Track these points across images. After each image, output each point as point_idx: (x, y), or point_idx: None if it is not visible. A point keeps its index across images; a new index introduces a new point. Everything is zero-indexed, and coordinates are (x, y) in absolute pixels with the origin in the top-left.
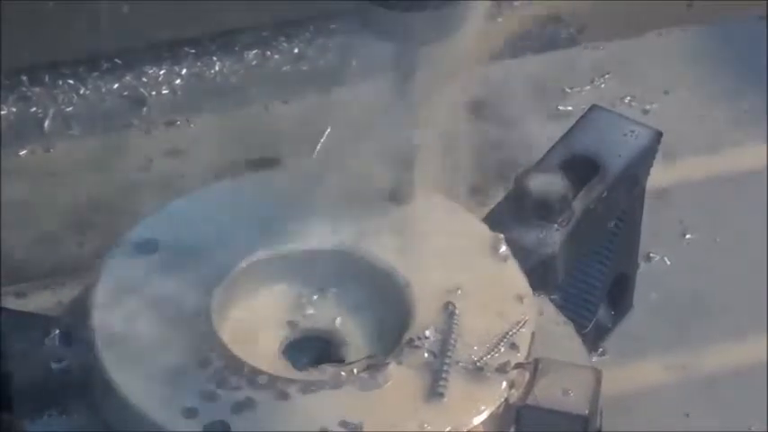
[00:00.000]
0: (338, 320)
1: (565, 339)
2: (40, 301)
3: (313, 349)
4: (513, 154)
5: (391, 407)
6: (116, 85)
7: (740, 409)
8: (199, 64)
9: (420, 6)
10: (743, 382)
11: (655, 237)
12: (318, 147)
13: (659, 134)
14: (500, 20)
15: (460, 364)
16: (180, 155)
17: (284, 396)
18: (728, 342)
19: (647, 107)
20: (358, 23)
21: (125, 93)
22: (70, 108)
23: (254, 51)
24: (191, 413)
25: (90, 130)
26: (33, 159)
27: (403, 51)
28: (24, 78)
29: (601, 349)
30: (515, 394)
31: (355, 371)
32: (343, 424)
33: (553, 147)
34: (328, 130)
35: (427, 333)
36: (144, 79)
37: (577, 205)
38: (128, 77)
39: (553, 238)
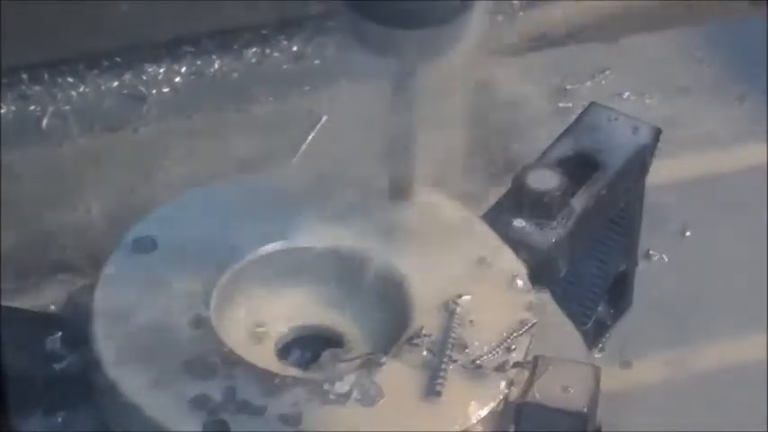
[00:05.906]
0: (337, 319)
1: (564, 336)
2: (39, 301)
3: (312, 348)
4: (513, 151)
5: (388, 405)
6: (116, 84)
7: (740, 408)
8: (198, 62)
9: (408, 25)
10: (742, 380)
11: (654, 234)
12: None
13: (658, 131)
14: (500, 19)
15: (459, 362)
16: (179, 153)
17: (283, 394)
18: (728, 340)
19: (647, 103)
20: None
21: (125, 91)
22: (69, 106)
23: (253, 49)
24: (190, 412)
25: (89, 129)
26: (32, 158)
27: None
28: (24, 76)
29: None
30: (514, 392)
31: (353, 368)
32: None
33: (552, 144)
34: (319, 124)
35: (427, 331)
36: (144, 77)
37: (577, 203)
38: (127, 76)
39: (553, 235)
